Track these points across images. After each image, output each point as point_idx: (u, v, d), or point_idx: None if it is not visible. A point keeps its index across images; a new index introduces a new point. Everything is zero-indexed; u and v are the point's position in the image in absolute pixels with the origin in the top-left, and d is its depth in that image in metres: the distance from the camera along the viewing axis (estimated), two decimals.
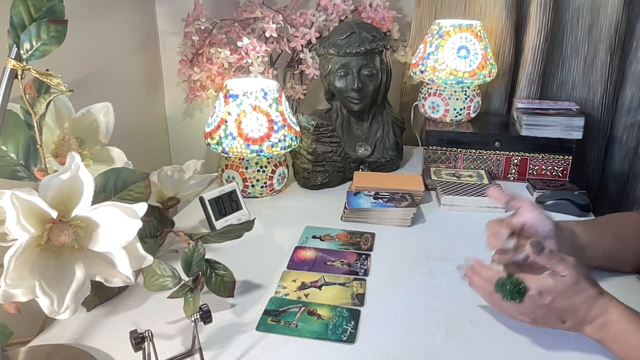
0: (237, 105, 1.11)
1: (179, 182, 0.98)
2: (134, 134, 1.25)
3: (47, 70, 0.65)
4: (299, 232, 1.04)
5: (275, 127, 1.12)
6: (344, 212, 1.10)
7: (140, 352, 0.63)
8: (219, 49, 1.27)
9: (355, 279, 0.87)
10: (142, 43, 1.27)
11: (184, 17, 1.27)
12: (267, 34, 1.31)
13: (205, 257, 0.77)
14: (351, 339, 0.73)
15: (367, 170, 1.29)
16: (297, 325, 0.75)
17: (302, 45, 1.34)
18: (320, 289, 0.85)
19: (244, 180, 1.17)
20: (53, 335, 0.74)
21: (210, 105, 1.36)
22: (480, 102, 1.42)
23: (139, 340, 0.62)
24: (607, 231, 0.87)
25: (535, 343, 0.72)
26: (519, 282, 0.68)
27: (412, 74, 1.45)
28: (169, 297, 0.74)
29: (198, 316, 0.67)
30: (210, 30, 1.29)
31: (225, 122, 1.12)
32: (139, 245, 0.63)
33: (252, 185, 1.17)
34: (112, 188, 0.73)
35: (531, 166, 1.28)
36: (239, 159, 1.16)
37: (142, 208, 0.61)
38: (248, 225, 0.84)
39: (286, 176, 1.23)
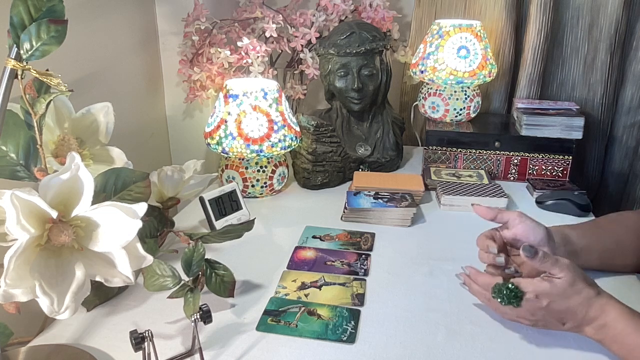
0: (237, 105, 1.11)
1: (179, 182, 0.98)
2: (134, 134, 1.25)
3: (47, 70, 0.65)
4: (299, 232, 1.04)
5: (275, 127, 1.12)
6: (344, 212, 1.10)
7: (140, 352, 0.62)
8: (219, 49, 1.27)
9: (355, 279, 0.87)
10: (142, 43, 1.27)
11: (184, 17, 1.27)
12: (267, 34, 1.31)
13: (205, 257, 0.77)
14: (351, 339, 0.73)
15: (367, 170, 1.30)
16: (297, 325, 0.75)
17: (302, 45, 1.34)
18: (320, 289, 0.85)
19: (244, 180, 1.17)
20: (53, 335, 0.74)
21: (210, 105, 1.36)
22: (480, 102, 1.42)
23: (139, 340, 0.62)
24: (605, 232, 0.87)
25: (535, 343, 0.72)
26: (515, 287, 0.68)
27: (412, 74, 1.45)
28: (169, 297, 0.74)
29: (198, 316, 0.67)
30: (210, 30, 1.29)
31: (225, 122, 1.12)
32: (139, 245, 0.63)
33: (252, 185, 1.17)
34: (112, 188, 0.73)
35: (531, 166, 1.28)
36: (239, 159, 1.16)
37: (142, 208, 0.61)
38: (248, 225, 0.84)
39: (286, 176, 1.23)
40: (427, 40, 1.39)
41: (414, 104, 1.51)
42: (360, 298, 0.82)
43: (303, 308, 0.79)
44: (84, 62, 1.06)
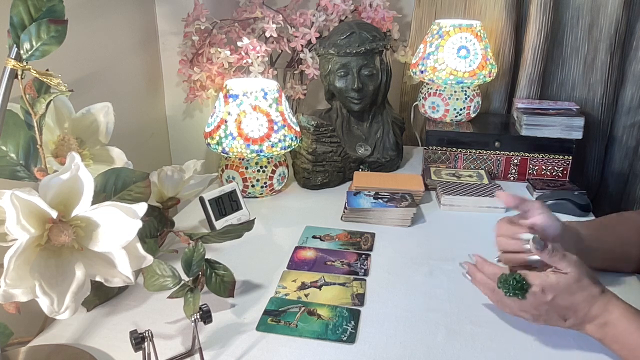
0: (237, 105, 1.11)
1: (179, 182, 0.98)
2: (134, 134, 1.25)
3: (47, 70, 0.65)
4: (299, 232, 1.04)
5: (275, 127, 1.12)
6: (344, 212, 1.10)
7: (140, 352, 0.63)
8: (219, 49, 1.27)
9: (355, 279, 0.87)
10: (142, 43, 1.27)
11: (184, 17, 1.27)
12: (267, 34, 1.31)
13: (205, 257, 0.77)
14: (351, 339, 0.73)
15: (367, 170, 1.29)
16: (297, 325, 0.75)
17: (302, 45, 1.34)
18: (320, 289, 0.85)
19: (244, 180, 1.17)
20: (53, 335, 0.74)
21: (210, 105, 1.36)
22: (480, 102, 1.42)
23: (139, 340, 0.62)
24: (609, 232, 0.86)
25: (536, 343, 0.72)
26: (522, 279, 0.68)
27: (412, 74, 1.45)
28: (169, 297, 0.74)
29: (198, 316, 0.67)
30: (210, 30, 1.29)
31: (225, 122, 1.12)
32: (139, 245, 0.63)
33: (252, 185, 1.17)
34: (112, 188, 0.73)
35: (531, 166, 1.28)
36: (239, 159, 1.16)
37: (142, 208, 0.61)
38: (248, 225, 0.84)
39: (286, 176, 1.23)
40: (427, 40, 1.39)
41: (414, 104, 1.51)
42: (360, 298, 0.82)
43: (303, 308, 0.79)
44: (84, 62, 1.06)
